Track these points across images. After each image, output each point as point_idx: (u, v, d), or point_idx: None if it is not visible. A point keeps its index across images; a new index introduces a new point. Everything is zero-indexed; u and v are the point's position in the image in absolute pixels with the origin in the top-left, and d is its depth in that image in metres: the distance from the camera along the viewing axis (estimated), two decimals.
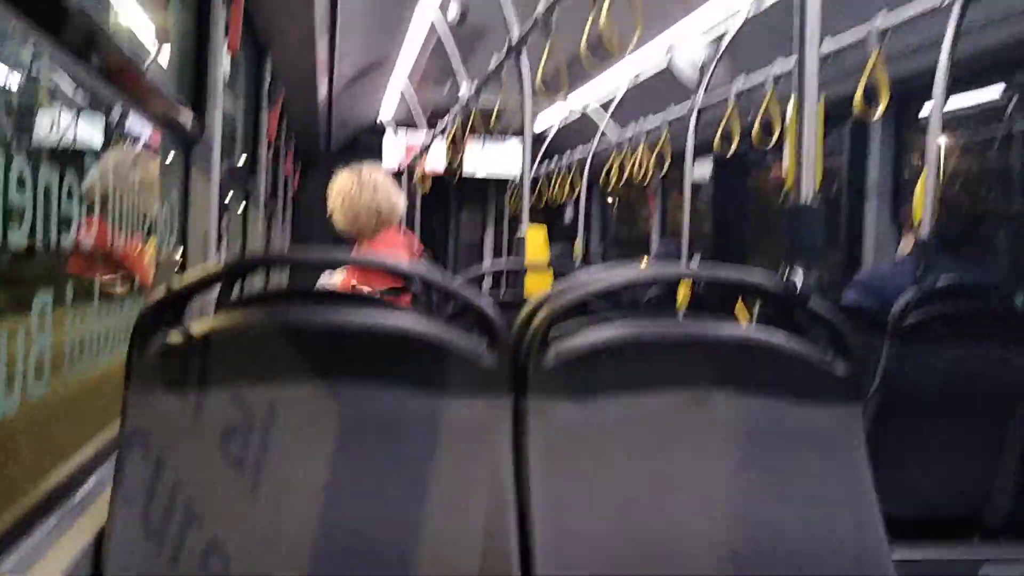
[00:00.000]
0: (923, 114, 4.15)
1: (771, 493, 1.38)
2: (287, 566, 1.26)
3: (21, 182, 1.10)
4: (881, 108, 3.25)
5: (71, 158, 1.38)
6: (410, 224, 8.89)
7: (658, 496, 1.36)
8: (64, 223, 1.26)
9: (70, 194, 1.27)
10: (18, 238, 1.11)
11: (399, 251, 3.45)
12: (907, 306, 2.52)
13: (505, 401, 1.35)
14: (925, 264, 2.73)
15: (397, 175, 8.91)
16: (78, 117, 1.48)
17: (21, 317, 1.16)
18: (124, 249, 1.68)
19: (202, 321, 1.33)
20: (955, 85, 2.98)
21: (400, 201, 3.58)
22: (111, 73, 1.54)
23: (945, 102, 2.89)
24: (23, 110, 1.22)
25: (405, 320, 1.37)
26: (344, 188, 3.51)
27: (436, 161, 8.32)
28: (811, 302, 1.43)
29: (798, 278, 1.42)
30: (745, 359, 1.42)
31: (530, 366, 1.35)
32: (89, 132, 1.55)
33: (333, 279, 3.50)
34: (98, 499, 1.37)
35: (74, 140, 1.44)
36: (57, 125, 1.35)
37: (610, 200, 8.69)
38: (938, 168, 2.87)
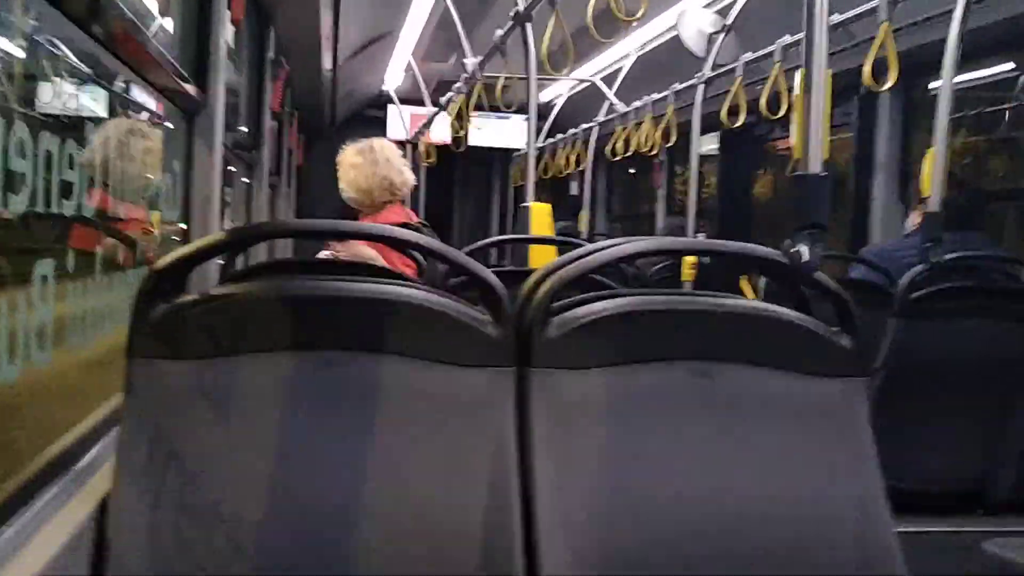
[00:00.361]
0: (932, 87, 4.13)
1: (775, 465, 1.38)
2: (290, 533, 1.26)
3: (22, 150, 1.10)
4: (890, 81, 3.21)
5: (73, 127, 1.37)
6: (415, 196, 8.86)
7: (661, 467, 1.36)
8: (65, 192, 1.26)
9: (71, 164, 1.26)
10: (18, 206, 1.10)
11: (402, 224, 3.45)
12: (914, 281, 2.51)
13: (509, 372, 1.35)
14: (932, 239, 2.72)
15: (402, 147, 8.87)
16: (80, 86, 1.46)
17: (22, 285, 1.15)
18: (126, 219, 1.68)
19: (205, 290, 1.32)
20: (965, 59, 2.95)
21: (409, 175, 3.57)
22: (113, 42, 1.52)
23: (955, 75, 2.85)
24: (25, 78, 1.21)
25: (408, 290, 1.37)
26: (355, 161, 3.50)
27: (441, 133, 8.27)
28: (817, 275, 1.42)
29: (804, 250, 1.40)
30: (750, 331, 1.41)
31: (534, 337, 1.35)
32: (91, 102, 1.54)
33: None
34: (102, 467, 1.38)
35: (76, 109, 1.42)
36: (59, 94, 1.34)
37: (615, 174, 8.65)
38: (947, 142, 2.84)
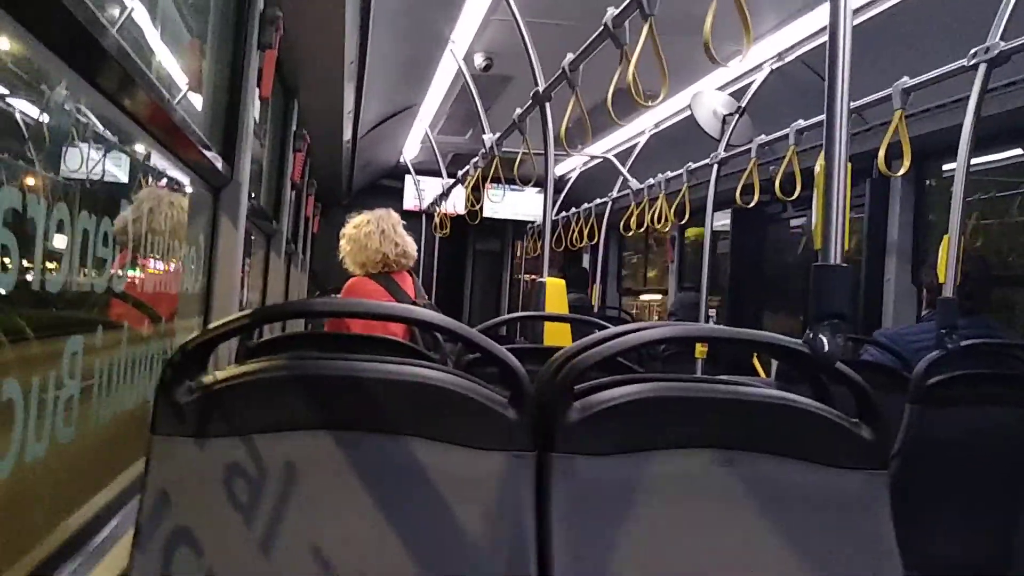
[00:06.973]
0: (945, 171, 4.16)
1: (794, 556, 1.37)
2: None
3: (60, 224, 1.12)
4: (904, 167, 3.24)
5: (100, 199, 1.39)
6: (428, 268, 8.91)
7: (680, 555, 1.35)
8: (96, 266, 1.28)
9: (105, 239, 1.29)
10: (41, 280, 1.12)
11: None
12: (930, 367, 2.50)
13: (528, 455, 1.34)
14: (947, 324, 2.71)
15: (416, 218, 8.96)
16: (106, 157, 1.49)
17: (53, 363, 1.16)
18: (152, 291, 1.70)
19: (227, 369, 1.33)
20: (979, 145, 2.98)
21: (410, 247, 3.62)
22: (145, 117, 1.56)
23: (969, 162, 2.88)
24: (57, 150, 1.23)
25: (428, 371, 1.37)
26: (352, 234, 3.59)
27: (456, 205, 8.36)
28: (838, 365, 1.42)
29: (825, 340, 1.41)
30: (771, 421, 1.41)
31: (554, 421, 1.34)
32: (121, 174, 1.56)
33: None
34: (118, 543, 1.37)
35: (102, 179, 1.45)
36: (87, 164, 1.36)
37: (628, 249, 8.70)
38: (962, 228, 2.86)
